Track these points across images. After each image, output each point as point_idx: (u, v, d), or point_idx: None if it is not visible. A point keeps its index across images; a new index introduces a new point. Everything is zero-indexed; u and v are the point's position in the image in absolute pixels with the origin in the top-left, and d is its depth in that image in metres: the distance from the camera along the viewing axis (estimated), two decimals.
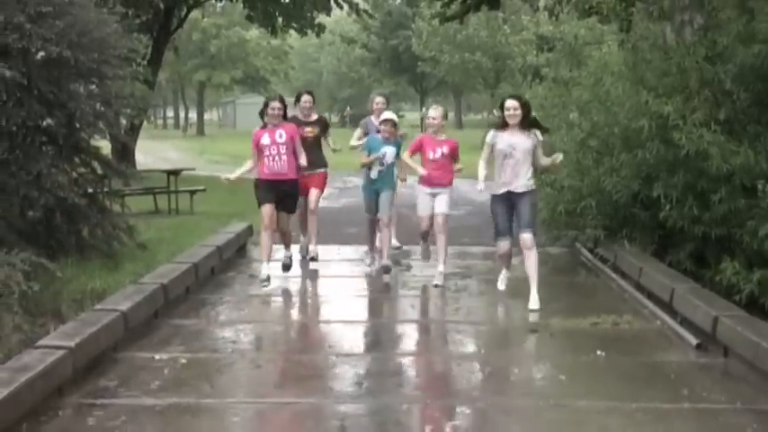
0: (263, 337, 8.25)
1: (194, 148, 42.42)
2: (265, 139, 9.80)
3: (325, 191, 12.02)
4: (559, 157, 9.33)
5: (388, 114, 10.63)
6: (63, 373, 6.20)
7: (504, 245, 9.33)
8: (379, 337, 8.38)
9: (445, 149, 10.01)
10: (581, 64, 14.99)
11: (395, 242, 11.56)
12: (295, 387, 6.67)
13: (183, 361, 7.11)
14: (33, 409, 5.71)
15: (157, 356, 7.20)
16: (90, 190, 10.71)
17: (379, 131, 10.56)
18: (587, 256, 11.62)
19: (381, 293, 9.94)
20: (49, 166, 9.66)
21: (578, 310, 8.66)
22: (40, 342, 6.52)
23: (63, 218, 9.99)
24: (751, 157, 9.32)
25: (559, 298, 8.81)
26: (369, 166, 10.39)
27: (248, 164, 10.19)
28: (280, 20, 29.13)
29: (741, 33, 10.33)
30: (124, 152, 20.72)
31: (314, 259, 11.32)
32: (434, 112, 10.37)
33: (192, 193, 16.40)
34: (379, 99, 11.97)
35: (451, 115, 54.76)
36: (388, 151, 10.27)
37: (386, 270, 10.30)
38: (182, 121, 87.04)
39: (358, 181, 11.86)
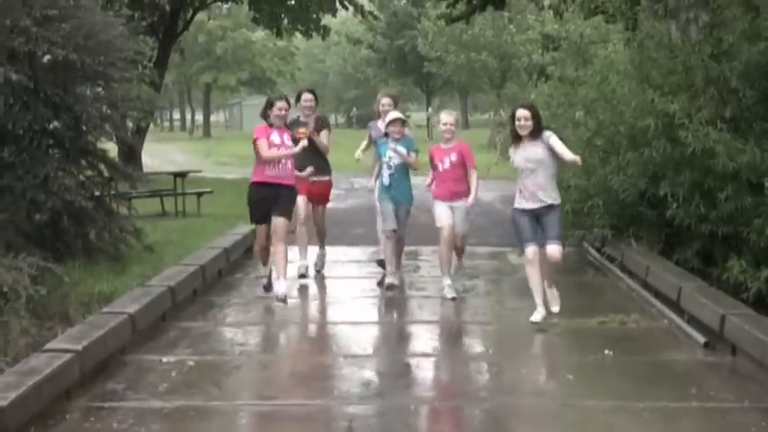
0: (271, 339, 8.26)
1: (201, 150, 42.41)
2: (276, 138, 9.21)
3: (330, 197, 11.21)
4: (578, 161, 8.65)
5: (394, 114, 9.78)
6: (70, 376, 6.21)
7: (530, 250, 8.52)
8: (387, 339, 8.39)
9: (453, 157, 9.37)
10: (587, 63, 14.99)
11: (395, 280, 9.70)
12: (303, 389, 6.68)
13: (191, 363, 7.12)
14: (41, 412, 5.72)
15: (165, 359, 7.20)
16: (97, 193, 10.71)
17: (386, 135, 9.77)
18: (595, 256, 11.61)
19: (389, 295, 9.92)
20: (55, 169, 9.67)
21: (586, 309, 8.66)
22: (48, 345, 6.52)
23: (70, 221, 10.00)
24: (757, 155, 9.31)
25: (567, 297, 8.79)
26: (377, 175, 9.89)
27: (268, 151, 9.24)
28: (285, 22, 29.14)
29: (746, 31, 10.32)
30: (131, 155, 20.75)
31: (318, 272, 10.80)
32: (448, 117, 9.63)
33: (199, 195, 16.40)
34: (385, 101, 10.62)
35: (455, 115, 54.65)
36: (394, 152, 9.56)
37: (389, 288, 9.52)
38: (188, 123, 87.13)
39: (365, 182, 11.61)
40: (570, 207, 11.45)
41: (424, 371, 7.19)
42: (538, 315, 8.42)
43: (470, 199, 9.35)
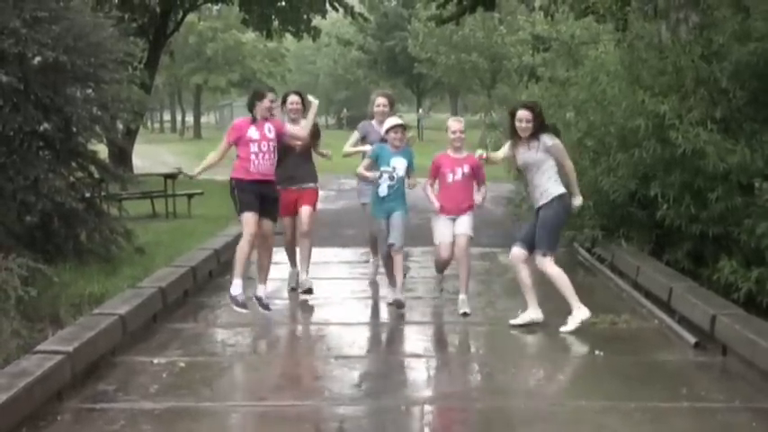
0: (262, 341, 8.25)
1: (191, 152, 42.24)
2: (253, 133, 8.65)
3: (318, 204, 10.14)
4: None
5: (394, 120, 9.01)
6: (62, 378, 6.20)
7: (512, 251, 8.46)
8: (378, 340, 8.40)
9: (466, 169, 8.78)
10: (577, 64, 15.02)
11: (394, 296, 9.04)
12: (293, 390, 6.68)
13: (182, 365, 7.11)
14: (32, 414, 5.71)
15: (156, 360, 7.19)
16: (87, 194, 10.71)
17: (384, 140, 9.03)
18: (585, 256, 11.63)
19: (380, 296, 9.91)
20: (46, 170, 9.66)
21: None
22: (39, 347, 6.51)
23: (60, 222, 9.99)
24: (747, 156, 9.35)
25: (557, 298, 8.79)
26: (370, 180, 9.08)
27: (212, 157, 8.83)
28: (276, 23, 29.12)
29: (737, 31, 10.35)
30: (121, 156, 20.73)
31: (309, 291, 9.59)
32: (457, 124, 8.93)
33: (190, 196, 16.39)
34: (380, 100, 9.99)
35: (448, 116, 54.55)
36: (399, 164, 8.86)
37: (398, 305, 8.87)
38: (178, 125, 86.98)
39: (354, 183, 11.19)
40: None
41: (415, 372, 7.18)
42: (524, 316, 8.49)
43: (479, 197, 8.89)
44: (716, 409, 6.08)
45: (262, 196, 8.69)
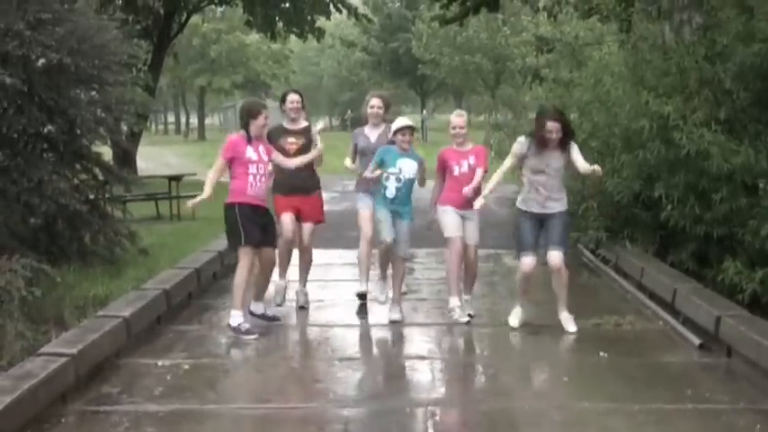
0: (265, 342, 8.23)
1: (195, 153, 42.37)
2: (251, 154, 8.17)
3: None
4: (598, 170, 8.22)
5: (403, 121, 8.65)
6: (66, 380, 6.21)
7: (527, 261, 8.22)
8: (382, 342, 8.39)
9: (473, 160, 8.58)
10: (581, 65, 15.03)
11: (397, 316, 8.75)
12: (298, 392, 6.69)
13: (186, 367, 7.11)
14: (36, 416, 5.71)
15: (160, 362, 7.19)
16: (91, 196, 10.72)
17: (392, 142, 8.67)
18: (589, 257, 11.63)
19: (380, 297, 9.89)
20: (50, 172, 9.67)
21: (580, 311, 8.64)
22: (43, 349, 6.51)
23: (65, 224, 10.01)
24: (752, 156, 9.33)
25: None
26: (372, 181, 8.70)
27: (213, 176, 8.40)
28: (280, 25, 29.13)
29: (740, 32, 10.34)
30: (125, 158, 20.75)
31: (303, 308, 9.30)
32: (458, 119, 8.74)
33: (194, 198, 16.36)
34: (374, 101, 9.36)
35: None
36: (406, 166, 8.55)
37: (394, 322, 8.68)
38: (183, 127, 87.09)
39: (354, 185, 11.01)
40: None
41: (420, 373, 7.17)
42: (514, 319, 8.48)
43: (480, 199, 8.34)
44: (721, 410, 6.06)
45: (261, 223, 8.26)
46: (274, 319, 8.69)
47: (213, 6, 36.48)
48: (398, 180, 8.55)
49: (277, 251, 8.68)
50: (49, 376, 5.96)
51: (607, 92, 11.67)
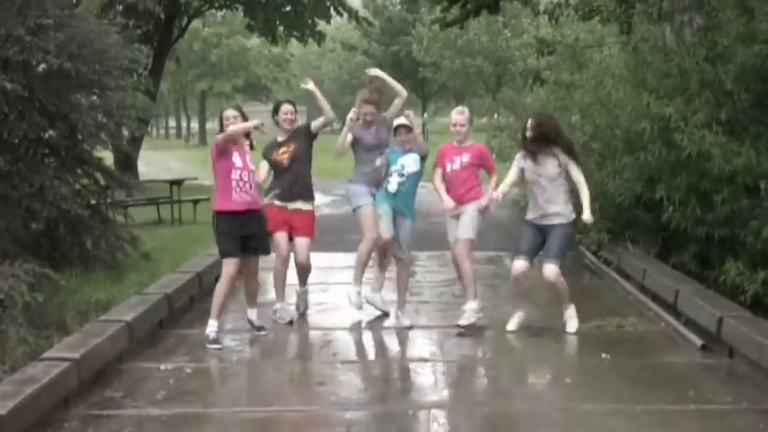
0: (268, 346, 8.24)
1: (197, 158, 42.31)
2: (237, 160, 7.97)
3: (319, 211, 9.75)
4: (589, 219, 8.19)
5: (399, 120, 8.59)
6: (68, 384, 6.21)
7: (517, 265, 8.24)
8: (384, 344, 8.39)
9: (465, 158, 8.47)
10: (582, 67, 15.03)
11: (406, 322, 8.69)
12: (300, 395, 6.69)
13: (189, 370, 7.12)
14: (39, 421, 5.71)
15: (163, 366, 7.20)
16: (93, 201, 10.73)
17: (379, 148, 8.68)
18: (591, 259, 11.63)
19: (385, 300, 9.89)
20: (51, 177, 9.68)
21: (582, 312, 8.64)
22: (46, 354, 6.53)
23: (66, 229, 10.01)
24: (753, 158, 9.33)
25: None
26: (375, 172, 8.66)
27: (263, 171, 8.58)
28: (280, 28, 29.16)
29: (741, 33, 10.33)
30: (127, 163, 20.75)
31: (301, 315, 9.25)
32: (459, 116, 8.59)
33: (195, 202, 16.41)
34: (366, 109, 8.85)
35: None
36: (408, 162, 8.48)
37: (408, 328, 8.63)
38: (184, 131, 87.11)
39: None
40: None
41: (422, 376, 7.17)
42: (512, 324, 8.46)
43: (484, 200, 8.43)
44: (723, 411, 6.07)
45: (248, 231, 8.05)
46: (261, 329, 8.50)
47: (214, 10, 36.57)
48: (401, 175, 8.50)
49: (272, 273, 8.79)
50: (52, 381, 5.96)
51: (608, 94, 11.67)
